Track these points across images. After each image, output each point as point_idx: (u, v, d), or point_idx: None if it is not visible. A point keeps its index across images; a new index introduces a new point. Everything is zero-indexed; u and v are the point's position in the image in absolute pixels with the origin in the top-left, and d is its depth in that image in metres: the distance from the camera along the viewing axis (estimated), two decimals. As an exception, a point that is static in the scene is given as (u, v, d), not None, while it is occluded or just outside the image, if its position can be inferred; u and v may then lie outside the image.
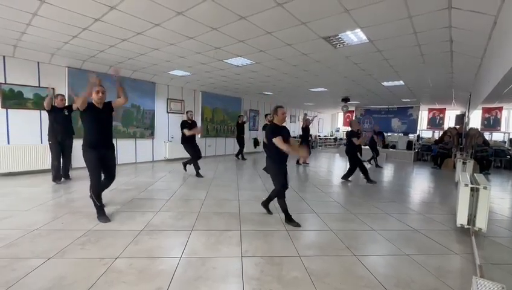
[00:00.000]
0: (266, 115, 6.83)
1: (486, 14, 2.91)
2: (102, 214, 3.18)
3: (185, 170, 6.24)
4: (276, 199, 3.42)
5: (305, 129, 8.27)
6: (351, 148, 5.98)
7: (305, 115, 8.55)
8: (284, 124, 3.40)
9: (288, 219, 3.30)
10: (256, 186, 5.26)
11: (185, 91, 9.07)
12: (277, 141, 3.13)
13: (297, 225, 3.22)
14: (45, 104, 4.60)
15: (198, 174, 6.01)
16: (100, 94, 3.14)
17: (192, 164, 6.09)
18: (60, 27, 3.95)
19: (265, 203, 3.63)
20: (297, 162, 8.41)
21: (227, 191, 4.81)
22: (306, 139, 8.34)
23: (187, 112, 6.11)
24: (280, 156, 3.29)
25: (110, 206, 3.63)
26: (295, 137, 14.80)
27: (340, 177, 6.25)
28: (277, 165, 3.34)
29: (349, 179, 6.16)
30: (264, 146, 6.70)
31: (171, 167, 6.84)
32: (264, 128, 6.73)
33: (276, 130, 3.25)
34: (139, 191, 4.52)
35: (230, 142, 10.97)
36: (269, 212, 3.62)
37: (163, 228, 3.02)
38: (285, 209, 3.33)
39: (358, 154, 6.24)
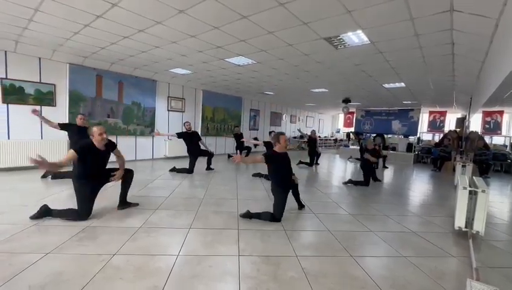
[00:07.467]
0: (270, 133, 6.90)
1: (487, 17, 2.91)
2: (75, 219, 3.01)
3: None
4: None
5: (312, 141, 8.39)
6: (365, 163, 5.96)
7: (313, 131, 8.78)
8: (285, 151, 3.52)
9: (248, 216, 3.35)
10: (255, 186, 5.26)
11: (186, 89, 9.08)
12: (257, 159, 3.37)
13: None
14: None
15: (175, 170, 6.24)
16: (104, 135, 3.03)
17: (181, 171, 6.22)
18: (62, 23, 3.95)
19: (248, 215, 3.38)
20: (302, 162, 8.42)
21: (226, 190, 4.81)
22: (313, 148, 8.38)
23: (185, 123, 6.36)
24: (282, 182, 3.42)
25: (108, 203, 3.64)
26: (295, 137, 14.82)
27: (340, 178, 6.23)
28: (281, 193, 3.37)
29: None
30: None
31: (171, 165, 6.82)
32: (265, 144, 6.32)
33: (272, 156, 3.41)
34: (138, 189, 4.52)
35: (230, 141, 10.97)
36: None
37: (161, 225, 3.03)
38: (258, 215, 3.34)
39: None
